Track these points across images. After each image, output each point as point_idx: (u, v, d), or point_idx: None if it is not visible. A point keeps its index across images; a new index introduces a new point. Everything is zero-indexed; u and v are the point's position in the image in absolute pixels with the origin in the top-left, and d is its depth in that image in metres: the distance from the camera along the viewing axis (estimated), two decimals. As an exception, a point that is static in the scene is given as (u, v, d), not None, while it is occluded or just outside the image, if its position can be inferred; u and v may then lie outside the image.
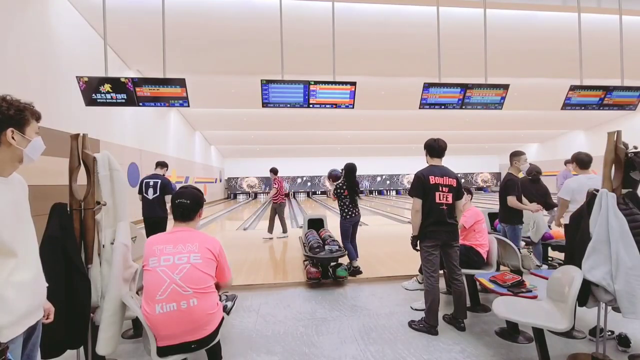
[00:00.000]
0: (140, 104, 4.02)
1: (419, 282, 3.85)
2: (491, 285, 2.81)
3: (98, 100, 3.97)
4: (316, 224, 5.78)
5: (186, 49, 7.11)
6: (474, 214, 3.49)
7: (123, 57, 7.89)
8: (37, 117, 1.33)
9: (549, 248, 4.74)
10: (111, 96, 3.96)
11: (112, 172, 2.14)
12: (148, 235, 4.39)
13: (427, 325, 2.87)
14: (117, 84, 3.93)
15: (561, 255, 4.56)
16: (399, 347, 2.65)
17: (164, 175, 4.91)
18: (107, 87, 3.93)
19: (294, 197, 23.61)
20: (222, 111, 13.17)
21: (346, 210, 4.54)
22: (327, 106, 4.38)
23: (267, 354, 2.58)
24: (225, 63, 8.30)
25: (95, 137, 7.04)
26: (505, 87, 4.64)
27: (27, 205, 1.36)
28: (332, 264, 4.20)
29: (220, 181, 22.91)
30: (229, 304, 2.40)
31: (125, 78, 3.94)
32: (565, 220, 3.53)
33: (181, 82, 3.99)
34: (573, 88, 4.72)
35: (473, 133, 18.61)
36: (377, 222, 10.77)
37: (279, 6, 4.38)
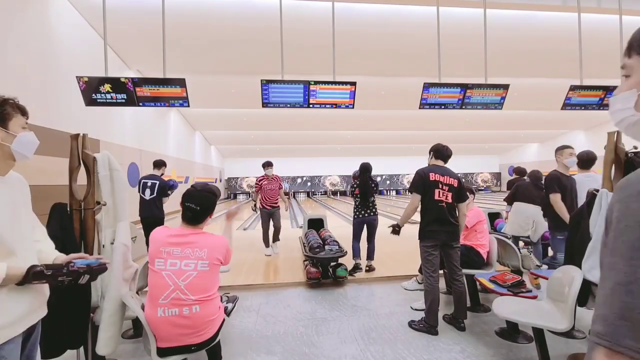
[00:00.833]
0: (140, 104, 4.02)
1: (419, 283, 3.86)
2: (491, 285, 2.81)
3: (98, 100, 3.97)
4: (316, 224, 5.77)
5: (186, 49, 7.11)
6: (477, 214, 3.49)
7: (123, 57, 7.89)
8: (22, 111, 1.29)
9: (549, 248, 4.74)
10: (111, 96, 3.96)
11: (112, 172, 2.14)
12: (146, 235, 4.38)
13: (427, 326, 2.87)
14: (117, 84, 3.92)
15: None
16: (399, 347, 2.65)
17: (161, 174, 4.90)
18: (107, 87, 3.92)
19: (294, 197, 23.62)
20: (222, 111, 13.17)
21: (355, 210, 4.60)
22: (327, 106, 4.38)
23: (267, 354, 2.58)
24: (225, 63, 8.30)
25: (95, 137, 7.04)
26: (505, 87, 4.64)
27: (29, 204, 1.35)
28: (332, 264, 4.20)
29: (220, 181, 22.92)
30: (230, 305, 2.40)
31: (125, 78, 3.94)
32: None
33: (181, 82, 3.99)
34: (573, 88, 4.72)
35: (473, 133, 18.61)
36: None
37: (279, 6, 4.38)
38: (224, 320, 2.00)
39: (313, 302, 3.60)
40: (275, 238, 5.67)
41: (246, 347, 2.67)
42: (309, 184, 25.12)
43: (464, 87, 4.53)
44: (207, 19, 6.22)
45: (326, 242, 4.45)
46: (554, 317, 2.21)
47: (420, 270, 3.65)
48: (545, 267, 3.71)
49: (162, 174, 4.92)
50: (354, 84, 4.31)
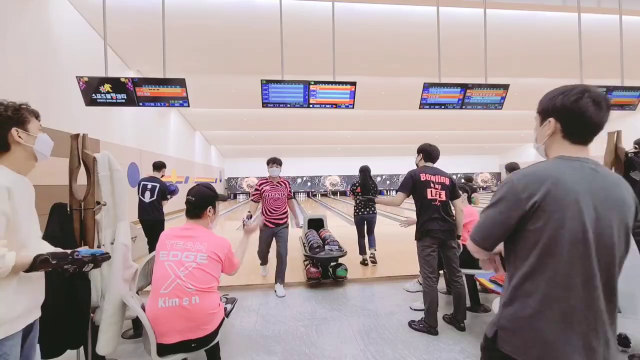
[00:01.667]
0: (140, 104, 4.02)
1: (420, 284, 3.85)
2: (491, 285, 2.81)
3: (98, 100, 3.97)
4: (316, 224, 5.77)
5: (186, 49, 7.11)
6: (469, 213, 3.50)
7: (123, 57, 7.90)
8: (36, 115, 1.40)
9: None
10: (111, 96, 3.96)
11: (112, 172, 2.14)
12: (146, 235, 4.37)
13: (427, 326, 2.87)
14: (117, 84, 3.92)
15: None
16: (399, 347, 2.65)
17: (161, 176, 4.87)
18: (107, 87, 3.92)
19: (294, 197, 23.64)
20: (222, 111, 13.18)
21: (355, 208, 5.01)
22: (327, 106, 4.38)
23: (267, 354, 2.58)
24: (225, 63, 8.30)
25: (95, 137, 7.04)
26: (505, 87, 4.64)
27: (34, 203, 1.44)
28: (332, 264, 4.20)
29: (220, 181, 22.92)
30: (229, 306, 2.40)
31: (125, 78, 3.94)
32: None
33: (181, 82, 3.99)
34: (573, 88, 4.71)
35: (473, 133, 18.62)
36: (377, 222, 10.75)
37: (279, 6, 4.38)
38: (223, 319, 2.00)
39: (313, 302, 3.60)
40: (279, 275, 3.91)
41: (246, 347, 2.67)
42: (309, 184, 25.12)
43: (464, 87, 4.53)
44: (207, 19, 6.22)
45: (326, 242, 4.45)
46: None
47: (421, 271, 3.66)
48: None
49: (162, 176, 4.90)
50: (354, 84, 4.30)
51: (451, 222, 2.97)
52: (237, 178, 24.60)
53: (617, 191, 1.00)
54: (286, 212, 4.07)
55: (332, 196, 24.08)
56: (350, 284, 4.14)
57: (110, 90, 3.94)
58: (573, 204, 0.95)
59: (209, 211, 2.07)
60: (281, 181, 4.03)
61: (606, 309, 0.98)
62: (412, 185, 2.96)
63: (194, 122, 15.46)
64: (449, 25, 5.32)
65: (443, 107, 4.63)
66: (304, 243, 4.98)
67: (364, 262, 4.87)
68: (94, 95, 3.94)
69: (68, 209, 2.04)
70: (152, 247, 4.15)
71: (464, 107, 4.65)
